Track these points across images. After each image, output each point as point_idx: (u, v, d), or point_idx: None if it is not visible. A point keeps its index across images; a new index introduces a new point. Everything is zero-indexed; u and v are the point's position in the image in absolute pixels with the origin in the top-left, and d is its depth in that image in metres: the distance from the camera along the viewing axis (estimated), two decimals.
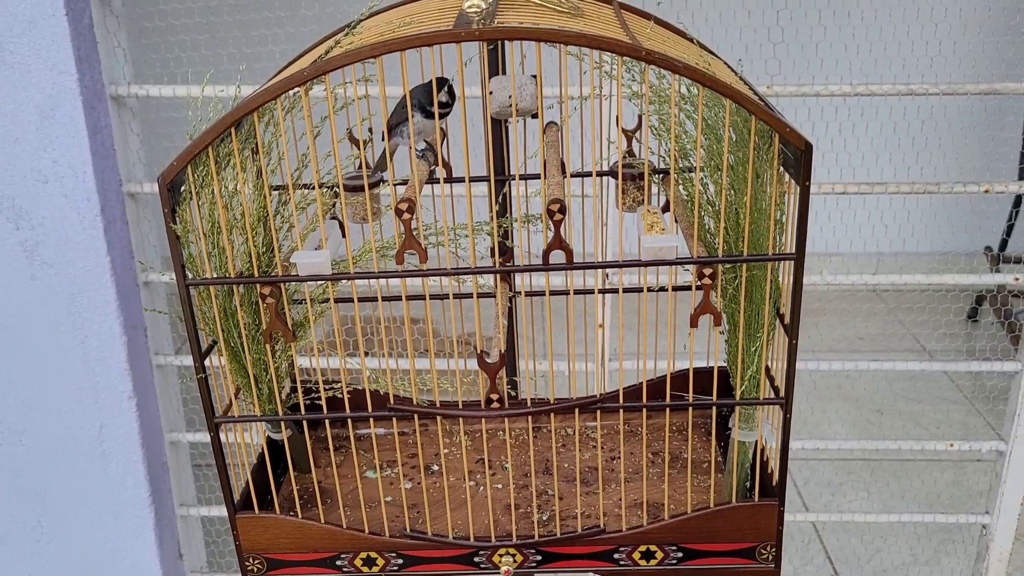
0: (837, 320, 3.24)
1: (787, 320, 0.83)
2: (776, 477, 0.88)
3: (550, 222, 0.76)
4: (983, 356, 1.70)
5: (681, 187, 0.89)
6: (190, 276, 0.81)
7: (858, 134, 1.85)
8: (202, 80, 1.30)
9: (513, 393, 1.08)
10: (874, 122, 1.87)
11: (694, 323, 0.81)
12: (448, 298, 0.86)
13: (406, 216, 0.77)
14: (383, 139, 0.92)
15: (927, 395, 2.81)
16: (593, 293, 0.90)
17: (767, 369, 0.88)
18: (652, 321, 0.87)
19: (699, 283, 0.79)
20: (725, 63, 0.90)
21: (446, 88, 0.89)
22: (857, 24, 2.23)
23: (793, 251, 0.78)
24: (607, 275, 1.39)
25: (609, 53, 0.74)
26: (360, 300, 0.88)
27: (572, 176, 0.90)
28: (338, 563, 0.91)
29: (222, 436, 0.87)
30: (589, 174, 0.94)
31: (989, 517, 1.71)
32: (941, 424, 2.65)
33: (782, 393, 0.85)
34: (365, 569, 0.92)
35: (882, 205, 2.08)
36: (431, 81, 0.89)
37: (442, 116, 0.89)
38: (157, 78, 1.53)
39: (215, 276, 0.82)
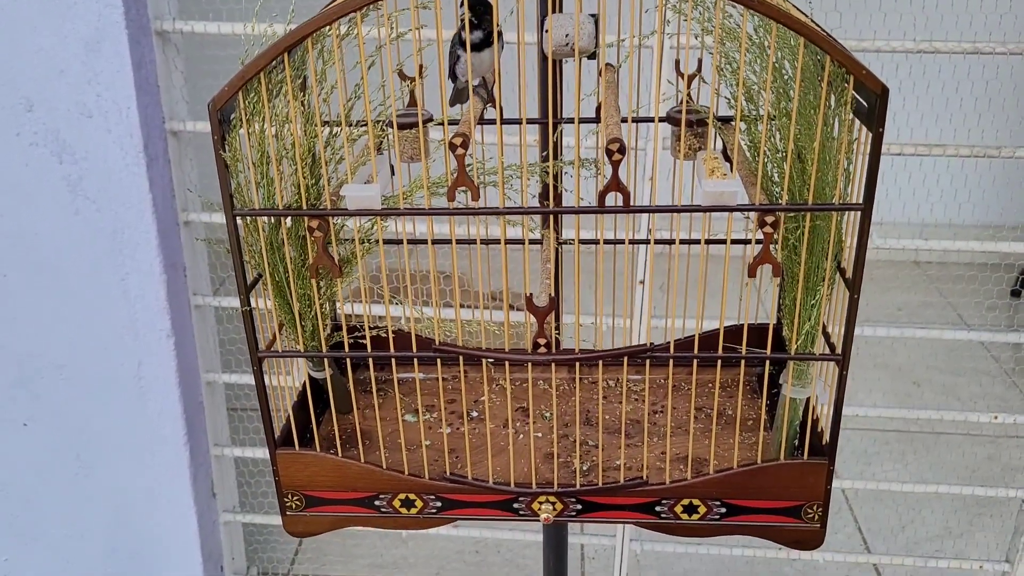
0: (877, 290, 3.19)
1: (848, 274, 0.80)
2: (827, 436, 0.86)
3: (608, 162, 0.74)
4: None
5: (743, 134, 0.86)
6: (238, 206, 0.80)
7: (918, 93, 1.79)
8: (246, 18, 1.27)
9: (560, 340, 1.06)
10: (936, 81, 1.81)
11: (752, 273, 0.78)
12: (500, 243, 0.84)
13: (460, 151, 0.75)
14: (449, 77, 0.89)
15: (966, 368, 2.76)
16: (649, 243, 0.87)
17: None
18: (697, 277, 0.85)
19: (760, 232, 0.76)
20: (796, 7, 0.86)
21: (475, 8, 0.83)
22: None
23: (860, 201, 0.75)
24: (653, 228, 1.36)
25: None
26: (409, 243, 0.87)
27: (632, 121, 0.87)
28: (376, 503, 0.91)
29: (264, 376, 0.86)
30: (650, 119, 0.91)
31: None
32: (980, 398, 2.61)
33: (838, 350, 0.82)
34: (403, 510, 0.91)
35: (938, 170, 2.01)
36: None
37: (479, 47, 0.85)
38: (203, 15, 1.51)
39: (263, 208, 0.81)
